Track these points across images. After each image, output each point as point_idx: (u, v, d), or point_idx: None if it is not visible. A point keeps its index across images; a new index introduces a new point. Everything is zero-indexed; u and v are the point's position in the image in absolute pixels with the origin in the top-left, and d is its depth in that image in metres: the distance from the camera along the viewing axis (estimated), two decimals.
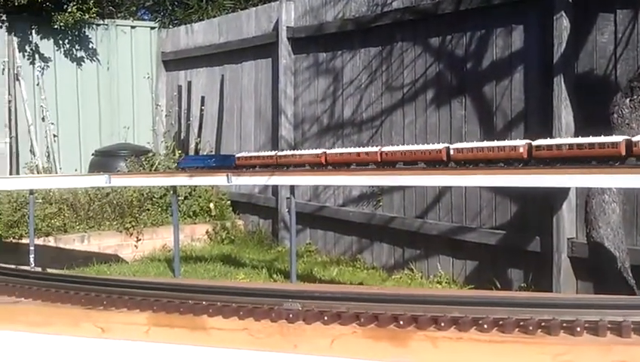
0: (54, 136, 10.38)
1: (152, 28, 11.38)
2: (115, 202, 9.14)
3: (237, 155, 7.03)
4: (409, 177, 5.21)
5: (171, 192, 9.24)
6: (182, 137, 10.57)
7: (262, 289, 1.09)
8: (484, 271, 6.15)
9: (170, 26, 11.85)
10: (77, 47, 10.65)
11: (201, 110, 10.24)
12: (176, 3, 12.76)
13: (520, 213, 5.92)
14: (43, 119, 10.35)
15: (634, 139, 3.66)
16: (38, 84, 10.34)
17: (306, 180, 6.62)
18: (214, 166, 6.93)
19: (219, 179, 6.85)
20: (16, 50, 10.21)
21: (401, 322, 0.88)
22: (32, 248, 7.20)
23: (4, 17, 10.12)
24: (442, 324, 0.92)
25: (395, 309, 0.90)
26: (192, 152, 10.00)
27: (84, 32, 10.67)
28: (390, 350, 0.87)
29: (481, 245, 6.13)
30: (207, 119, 10.23)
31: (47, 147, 10.32)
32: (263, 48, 9.06)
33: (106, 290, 1.11)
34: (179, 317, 1.01)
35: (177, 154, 10.03)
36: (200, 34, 10.41)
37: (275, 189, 8.65)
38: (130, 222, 8.99)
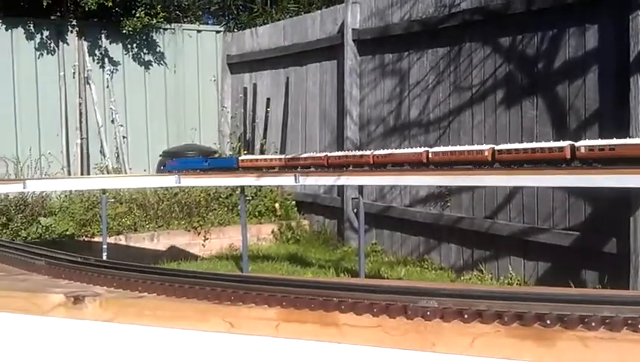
0: (123, 137, 10.61)
1: (218, 32, 11.53)
2: (183, 202, 9.31)
3: (240, 158, 7.17)
4: (472, 177, 5.21)
5: (238, 192, 9.40)
6: (247, 138, 10.69)
7: (394, 287, 1.10)
8: (557, 273, 6.05)
9: (235, 30, 12.01)
10: (145, 51, 10.85)
11: (266, 112, 10.33)
12: (241, 7, 12.91)
13: (595, 213, 5.81)
14: (112, 121, 10.58)
15: (576, 143, 4.20)
16: (107, 87, 10.57)
17: (373, 180, 6.64)
18: (208, 168, 7.10)
19: (287, 180, 6.92)
20: (87, 55, 10.46)
21: (548, 321, 0.87)
22: (104, 246, 7.38)
23: (74, 22, 10.38)
24: (592, 324, 0.91)
25: (540, 308, 0.89)
26: (257, 153, 10.09)
27: (152, 36, 10.87)
28: (535, 350, 0.87)
29: (554, 246, 6.03)
30: (272, 121, 10.32)
31: (117, 148, 10.55)
32: (328, 50, 9.10)
33: (232, 286, 1.13)
34: (309, 313, 1.02)
35: (243, 155, 10.15)
36: (265, 37, 10.50)
37: (341, 190, 8.68)
38: (197, 222, 9.14)
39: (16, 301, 1.25)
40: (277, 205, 9.60)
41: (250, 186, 8.77)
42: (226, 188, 9.51)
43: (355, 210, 7.46)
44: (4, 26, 9.96)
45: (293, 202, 9.70)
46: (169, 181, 7.51)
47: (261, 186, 9.31)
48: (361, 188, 6.46)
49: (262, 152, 10.04)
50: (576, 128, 5.97)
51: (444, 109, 7.36)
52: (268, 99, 10.35)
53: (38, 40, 10.16)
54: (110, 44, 10.64)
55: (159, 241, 8.81)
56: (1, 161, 9.31)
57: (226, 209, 9.58)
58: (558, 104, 6.16)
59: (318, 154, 6.50)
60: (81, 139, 10.40)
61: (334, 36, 8.90)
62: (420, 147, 6.16)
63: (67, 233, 8.44)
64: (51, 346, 1.22)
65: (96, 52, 10.56)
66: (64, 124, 10.29)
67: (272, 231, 9.44)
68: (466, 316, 0.90)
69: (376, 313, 0.95)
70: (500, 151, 4.86)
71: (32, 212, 8.67)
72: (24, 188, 7.06)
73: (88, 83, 10.43)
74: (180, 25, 11.23)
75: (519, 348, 0.87)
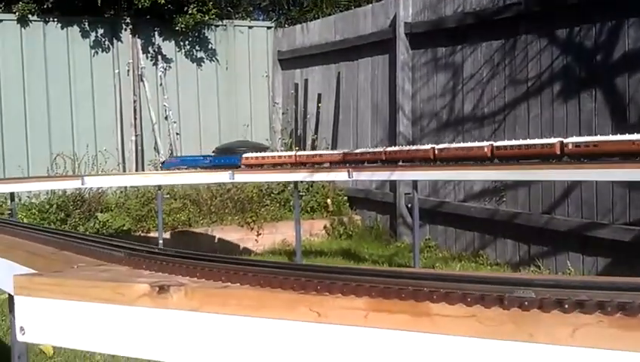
0: (177, 134, 10.73)
1: (269, 27, 11.58)
2: (235, 198, 9.38)
3: (244, 155, 7.25)
4: (531, 172, 5.16)
5: (290, 188, 9.45)
6: (298, 134, 10.72)
7: (488, 278, 1.08)
8: (617, 269, 5.93)
9: (286, 25, 12.03)
10: (197, 47, 10.96)
11: (318, 107, 10.34)
12: (291, 2, 12.94)
13: None
14: (166, 118, 10.71)
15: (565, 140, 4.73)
16: (161, 85, 10.70)
17: (428, 175, 6.61)
18: (208, 166, 7.15)
19: (340, 175, 6.91)
20: (140, 52, 10.61)
21: None
22: (160, 241, 7.50)
23: (128, 20, 10.53)
24: None
25: None
26: (308, 149, 10.11)
27: (204, 33, 10.96)
28: None
29: (614, 242, 5.91)
30: (323, 116, 10.33)
31: (170, 144, 10.68)
32: (379, 45, 9.05)
33: (317, 276, 1.13)
34: (399, 303, 1.01)
35: (295, 151, 10.18)
36: (316, 32, 10.51)
37: (393, 185, 8.64)
38: (250, 217, 9.19)
39: (102, 291, 1.26)
40: (329, 201, 9.61)
41: (302, 182, 8.78)
42: (278, 184, 9.55)
43: (410, 205, 7.45)
44: (59, 25, 10.15)
45: (345, 197, 9.70)
46: (223, 177, 7.58)
47: (313, 182, 9.32)
48: (415, 183, 6.44)
49: (313, 148, 10.05)
50: (637, 121, 5.83)
51: (498, 103, 7.27)
52: (319, 95, 10.35)
53: (92, 38, 10.33)
54: (163, 41, 10.76)
55: (213, 237, 8.89)
56: None
57: (278, 205, 9.63)
58: (618, 97, 6.03)
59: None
60: (136, 135, 10.55)
61: (386, 30, 8.86)
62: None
63: (124, 228, 8.58)
64: (138, 335, 1.23)
65: (150, 49, 10.70)
66: (119, 121, 10.46)
67: (325, 227, 9.45)
68: (566, 306, 0.88)
69: (470, 303, 0.93)
70: (497, 147, 5.33)
71: (89, 208, 8.83)
72: (82, 184, 7.20)
73: (142, 80, 10.58)
74: (231, 21, 11.30)
75: (624, 339, 0.85)
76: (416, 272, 1.18)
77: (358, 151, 7.09)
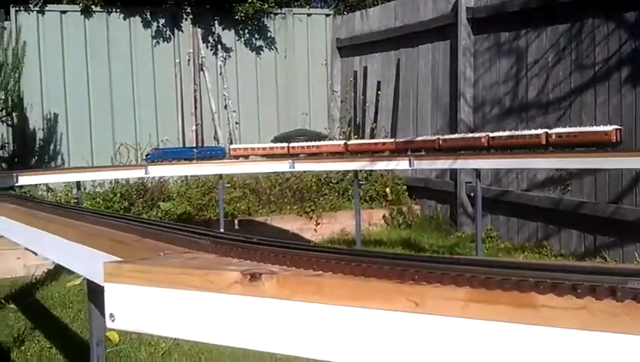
0: (236, 123, 10.80)
1: (327, 15, 11.54)
2: (294, 187, 9.41)
3: (231, 146, 7.38)
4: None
5: (348, 177, 9.43)
6: (357, 122, 10.68)
7: (597, 268, 1.04)
8: None
9: (345, 12, 11.98)
10: (256, 36, 11.00)
11: (377, 95, 10.28)
12: None
13: None
14: (225, 107, 10.78)
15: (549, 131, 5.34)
16: (220, 74, 10.78)
17: (490, 164, 6.50)
18: (194, 158, 7.23)
19: (401, 164, 6.86)
20: (200, 42, 10.69)
21: None
22: (222, 230, 7.56)
23: (189, 10, 10.62)
24: None
25: None
26: (367, 137, 10.06)
27: (263, 21, 10.99)
28: None
29: None
30: (382, 104, 10.26)
31: (230, 134, 10.76)
32: (440, 30, 8.94)
33: (414, 265, 1.10)
34: (501, 294, 0.98)
35: (354, 139, 10.16)
36: (375, 19, 10.43)
37: (454, 173, 8.54)
38: (309, 206, 9.21)
39: (192, 278, 1.26)
40: (388, 190, 9.55)
41: (361, 171, 8.74)
42: (337, 173, 9.53)
43: (473, 194, 7.36)
44: (122, 15, 10.30)
45: (404, 186, 9.63)
46: (283, 166, 7.60)
47: (371, 171, 9.28)
48: (477, 172, 6.34)
49: (372, 136, 10.00)
50: None
51: (564, 89, 7.10)
52: (378, 82, 10.28)
53: (154, 28, 10.46)
54: (223, 30, 10.83)
55: (273, 226, 8.93)
56: None
57: (336, 194, 9.62)
58: None
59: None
60: (196, 125, 10.66)
61: (447, 15, 8.73)
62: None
63: (185, 217, 8.68)
64: (228, 323, 1.23)
65: (210, 38, 10.78)
66: (180, 110, 10.58)
67: (384, 216, 9.40)
68: None
69: (580, 294, 0.90)
70: (493, 138, 5.84)
71: (151, 196, 8.97)
72: (146, 173, 7.31)
73: (202, 70, 10.67)
74: (290, 9, 11.30)
75: None
76: (519, 262, 1.14)
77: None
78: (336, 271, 1.17)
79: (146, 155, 7.50)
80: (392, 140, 7.32)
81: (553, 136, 5.35)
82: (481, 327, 1.01)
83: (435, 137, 6.64)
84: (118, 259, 1.53)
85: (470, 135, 6.72)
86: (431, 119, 9.26)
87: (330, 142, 8.21)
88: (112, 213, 2.67)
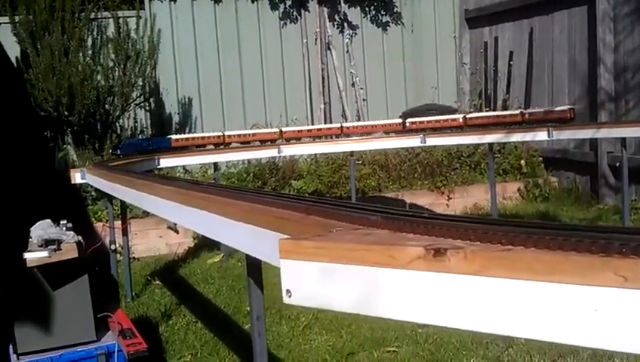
0: (363, 100, 10.78)
1: None
2: (425, 162, 9.30)
3: (172, 137, 7.13)
4: None
5: (480, 150, 9.23)
6: (488, 94, 10.41)
7: None
8: None
9: None
10: (382, 12, 10.90)
11: (509, 65, 9.97)
12: None
13: None
14: (353, 85, 10.77)
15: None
16: (347, 52, 10.77)
17: (637, 132, 6.17)
18: (151, 150, 6.96)
19: (539, 135, 6.64)
20: (327, 21, 10.70)
21: None
22: None
23: None
24: None
25: None
26: (499, 109, 9.79)
27: None
28: None
29: None
30: (514, 75, 9.94)
31: (358, 111, 10.75)
32: None
33: (618, 238, 1.04)
34: None
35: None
36: None
37: (594, 143, 8.18)
38: (440, 181, 9.11)
39: (372, 254, 1.25)
40: (522, 162, 9.28)
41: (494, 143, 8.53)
42: (468, 146, 9.34)
43: (618, 164, 7.02)
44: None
45: (540, 158, 9.32)
46: (414, 142, 7.54)
47: (504, 144, 9.03)
48: (623, 141, 6.04)
49: (505, 108, 9.72)
50: None
51: None
52: (510, 52, 9.97)
53: (281, 10, 10.56)
54: (349, 8, 10.80)
55: (404, 201, 8.88)
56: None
57: (468, 168, 9.44)
58: None
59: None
60: (324, 103, 10.72)
61: None
62: None
63: (317, 195, 8.77)
64: (411, 299, 1.21)
65: (336, 17, 10.77)
66: (308, 89, 10.67)
67: (518, 190, 9.16)
68: None
69: None
70: None
71: (283, 175, 9.12)
72: (279, 153, 7.44)
73: (329, 48, 10.69)
74: None
75: None
76: None
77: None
78: (527, 246, 1.12)
79: (115, 149, 7.50)
80: (518, 111, 7.37)
81: None
82: None
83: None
84: (286, 236, 1.54)
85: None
86: (567, 88, 8.88)
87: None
88: (266, 191, 2.71)
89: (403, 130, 7.77)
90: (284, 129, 7.77)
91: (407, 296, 1.21)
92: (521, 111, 7.55)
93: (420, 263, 1.18)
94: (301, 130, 7.91)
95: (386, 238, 1.33)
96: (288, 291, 1.39)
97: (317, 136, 7.89)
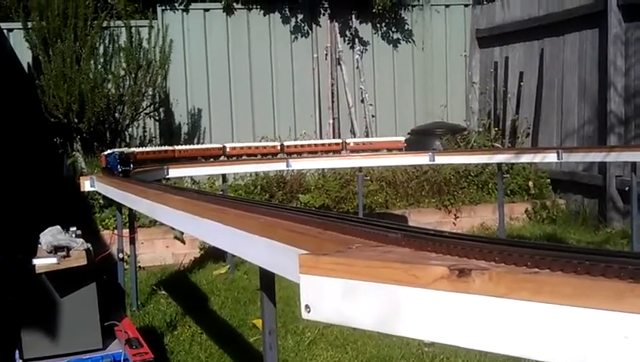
0: (372, 116, 10.79)
1: (466, 5, 11.29)
2: (432, 180, 9.29)
3: (135, 150, 5.97)
4: None
5: (488, 170, 9.21)
6: (497, 114, 10.41)
7: None
8: None
9: (485, 2, 11.68)
10: (393, 29, 10.93)
11: (519, 86, 9.97)
12: None
13: None
14: (362, 101, 10.80)
15: None
16: (357, 67, 10.79)
17: None
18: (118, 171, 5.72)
19: (549, 157, 6.63)
20: (338, 36, 10.74)
21: None
22: None
23: (326, 5, 10.69)
24: None
25: None
26: (507, 130, 9.80)
27: (400, 14, 10.91)
28: None
29: None
30: (524, 95, 9.94)
31: (366, 127, 10.76)
32: (588, 18, 8.55)
33: None
34: None
35: (494, 132, 9.92)
36: (517, 8, 10.12)
37: (603, 167, 8.16)
38: (448, 200, 9.08)
39: (395, 272, 1.24)
40: (531, 183, 9.26)
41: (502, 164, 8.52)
42: (476, 166, 9.33)
43: (628, 188, 6.99)
44: (262, 12, 10.51)
45: (548, 180, 9.30)
46: (423, 159, 7.52)
47: (512, 164, 9.02)
48: (633, 165, 6.02)
49: (513, 128, 9.73)
50: None
51: None
52: (521, 73, 9.97)
53: (292, 24, 10.60)
54: (360, 24, 10.84)
55: (411, 219, 8.86)
56: None
57: (475, 187, 9.42)
58: None
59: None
60: (333, 118, 10.73)
61: (596, 2, 8.33)
62: None
63: (324, 209, 8.76)
64: (433, 319, 1.20)
65: (347, 32, 10.81)
66: (317, 104, 10.68)
67: (526, 211, 9.13)
68: None
69: None
70: None
71: (290, 189, 9.11)
72: (287, 166, 7.44)
73: (339, 64, 10.72)
74: (427, 1, 11.15)
75: None
76: None
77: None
78: (554, 269, 1.11)
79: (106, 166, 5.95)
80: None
81: None
82: None
83: None
84: (304, 251, 1.53)
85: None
86: (577, 110, 8.88)
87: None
88: (281, 205, 2.70)
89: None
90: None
91: (430, 316, 1.20)
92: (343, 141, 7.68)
93: (443, 283, 1.18)
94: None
95: (409, 257, 1.32)
96: (307, 306, 1.39)
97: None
